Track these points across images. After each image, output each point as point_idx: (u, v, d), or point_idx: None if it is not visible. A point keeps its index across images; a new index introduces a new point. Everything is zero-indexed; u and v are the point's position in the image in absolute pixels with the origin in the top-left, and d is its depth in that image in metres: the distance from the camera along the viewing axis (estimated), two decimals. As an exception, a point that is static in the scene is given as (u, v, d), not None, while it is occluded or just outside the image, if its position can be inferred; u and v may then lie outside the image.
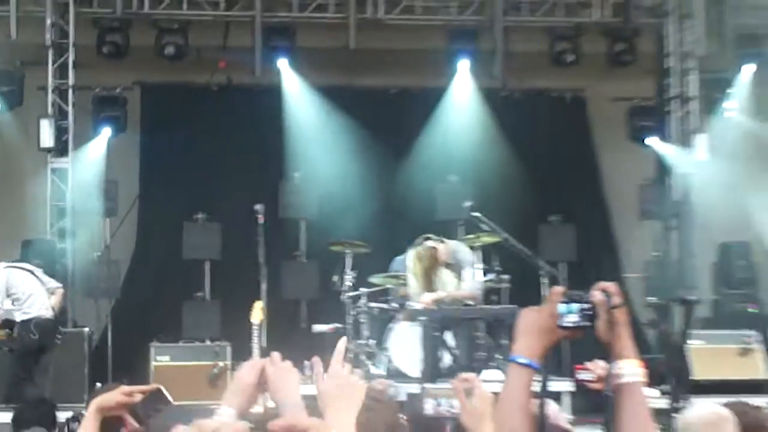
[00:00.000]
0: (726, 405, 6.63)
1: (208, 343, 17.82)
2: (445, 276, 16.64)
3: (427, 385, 14.69)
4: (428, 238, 16.82)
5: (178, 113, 21.96)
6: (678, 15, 20.54)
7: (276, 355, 3.47)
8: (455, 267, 16.61)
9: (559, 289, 4.35)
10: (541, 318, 4.33)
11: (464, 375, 4.44)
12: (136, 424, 5.48)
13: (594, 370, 6.67)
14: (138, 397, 5.47)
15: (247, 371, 4.37)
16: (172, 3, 19.60)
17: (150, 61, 20.25)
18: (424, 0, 20.21)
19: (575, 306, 4.27)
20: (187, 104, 22.02)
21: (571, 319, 4.26)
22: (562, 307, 4.28)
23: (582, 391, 7.00)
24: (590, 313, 4.27)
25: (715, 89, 21.26)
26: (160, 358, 17.17)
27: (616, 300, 4.29)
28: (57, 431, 7.13)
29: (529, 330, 4.35)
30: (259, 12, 19.60)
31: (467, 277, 16.79)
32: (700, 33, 20.34)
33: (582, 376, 7.00)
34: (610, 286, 4.33)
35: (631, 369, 4.37)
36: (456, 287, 16.79)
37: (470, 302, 16.84)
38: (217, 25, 20.07)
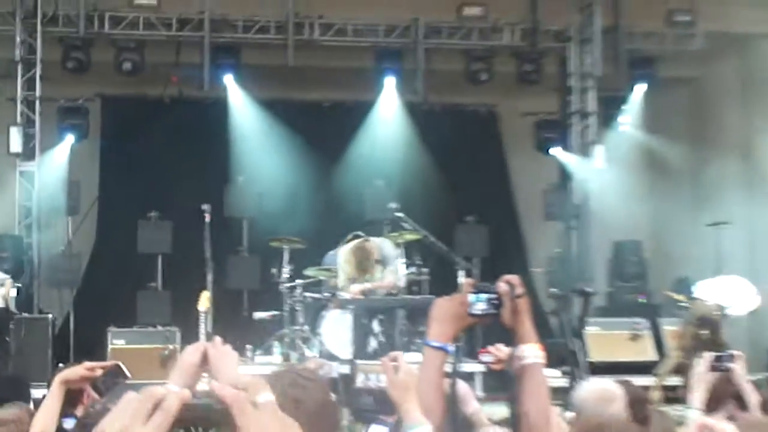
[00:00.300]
0: (617, 383, 6.71)
1: (159, 328, 17.72)
2: (375, 271, 16.69)
3: (358, 362, 14.77)
4: (357, 236, 16.88)
5: (134, 122, 21.90)
6: (578, 40, 20.66)
7: (217, 339, 3.49)
8: (382, 262, 16.67)
9: (469, 281, 4.44)
10: (453, 306, 4.40)
11: (392, 353, 4.47)
12: (96, 395, 5.51)
13: (495, 353, 6.74)
14: (99, 372, 5.50)
15: (191, 353, 4.38)
16: (130, 24, 19.51)
17: (109, 75, 20.14)
18: (354, 23, 20.19)
19: (483, 296, 4.35)
20: (143, 115, 21.96)
21: (480, 307, 4.34)
22: (471, 297, 4.36)
23: (492, 372, 7.06)
24: (496, 302, 4.35)
25: (610, 106, 21.42)
26: (117, 342, 17.08)
27: (519, 291, 4.38)
28: (33, 406, 7.08)
29: (442, 317, 4.42)
30: (207, 33, 19.55)
31: (391, 271, 16.85)
32: (598, 56, 20.45)
33: (485, 358, 7.08)
34: (514, 278, 4.42)
35: (532, 352, 4.46)
36: (381, 279, 16.86)
37: (393, 291, 16.91)
38: (170, 44, 19.99)
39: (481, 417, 6.55)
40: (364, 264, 16.64)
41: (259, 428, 2.15)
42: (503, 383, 5.48)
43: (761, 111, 22.17)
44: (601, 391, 6.43)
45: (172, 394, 2.13)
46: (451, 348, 4.46)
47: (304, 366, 6.13)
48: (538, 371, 4.51)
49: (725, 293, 15.61)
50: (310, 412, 4.54)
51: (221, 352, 3.46)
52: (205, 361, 3.47)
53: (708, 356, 6.43)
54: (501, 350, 7.05)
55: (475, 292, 4.37)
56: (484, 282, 4.52)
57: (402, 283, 17.23)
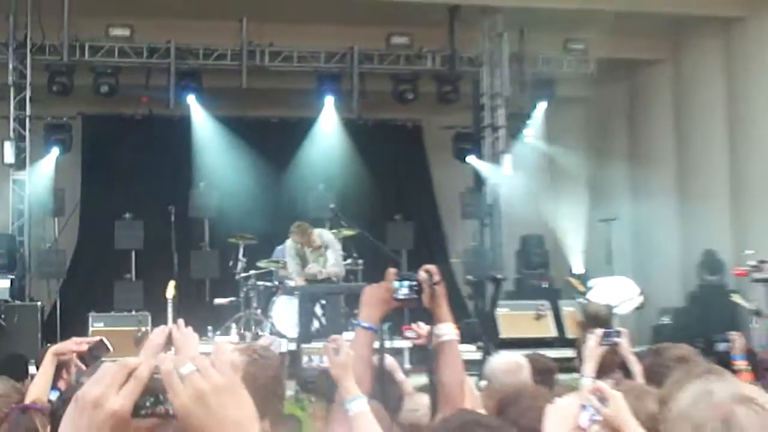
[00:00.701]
0: (525, 355, 6.79)
1: (133, 313, 17.67)
2: (316, 254, 16.70)
3: (303, 345, 14.82)
4: (300, 225, 16.90)
5: (111, 137, 21.85)
6: (490, 65, 20.68)
7: (181, 321, 3.55)
8: (322, 248, 16.63)
9: (392, 270, 4.54)
10: (380, 292, 4.51)
11: (333, 336, 4.52)
12: (82, 366, 5.56)
13: (416, 330, 6.82)
14: (85, 346, 5.56)
15: (158, 334, 4.48)
16: (107, 52, 19.41)
17: (89, 97, 20.04)
18: (299, 51, 20.19)
19: (406, 283, 4.47)
20: (118, 130, 21.92)
21: (403, 292, 4.46)
22: (395, 284, 4.47)
23: (417, 347, 7.11)
24: (417, 288, 4.45)
25: (517, 121, 21.44)
26: (97, 325, 17.02)
27: (436, 278, 4.51)
28: (29, 379, 7.07)
29: (370, 301, 4.53)
30: (173, 60, 19.51)
31: (332, 259, 16.84)
32: (506, 79, 20.47)
33: (408, 334, 7.16)
34: (432, 267, 4.55)
35: (448, 330, 4.59)
36: (323, 265, 16.88)
37: (334, 279, 16.95)
38: (141, 70, 19.89)
39: (407, 386, 6.61)
40: (305, 247, 16.62)
41: (188, 398, 2.17)
42: (426, 357, 5.59)
43: (645, 125, 22.44)
44: (509, 363, 6.39)
45: (144, 363, 2.16)
46: (378, 327, 4.58)
47: (258, 344, 6.16)
48: (454, 347, 4.65)
49: (614, 292, 15.71)
50: (263, 385, 4.61)
51: (184, 333, 3.51)
52: (169, 341, 3.52)
53: (598, 332, 6.49)
54: (422, 327, 7.13)
55: (398, 280, 4.49)
56: (407, 271, 4.63)
57: (342, 272, 17.29)
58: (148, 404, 2.16)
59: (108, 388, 2.12)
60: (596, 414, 4.00)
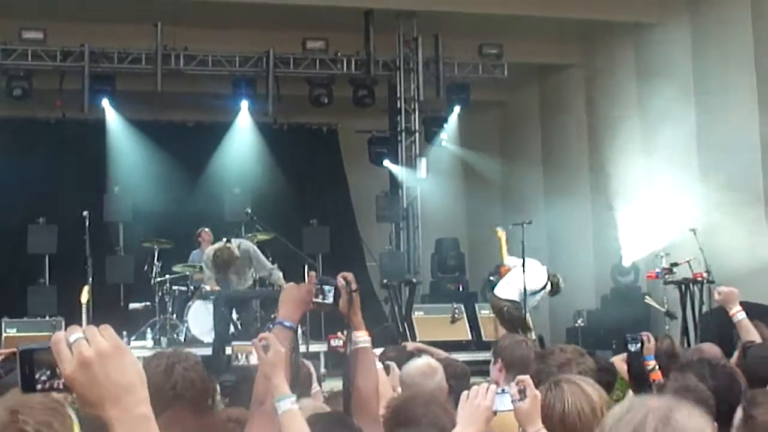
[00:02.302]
0: (437, 360, 6.86)
1: (47, 318, 17.53)
2: (237, 266, 16.52)
3: (235, 343, 14.86)
4: (228, 241, 16.61)
5: (24, 141, 21.65)
6: (405, 69, 20.80)
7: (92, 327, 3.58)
8: (243, 259, 16.48)
9: (312, 274, 4.66)
10: (300, 293, 4.62)
11: (262, 335, 4.54)
12: None
13: (342, 338, 6.92)
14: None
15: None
16: (19, 55, 19.21)
17: (2, 100, 19.84)
18: (214, 55, 20.14)
19: (325, 287, 4.56)
20: (31, 134, 21.71)
21: (322, 296, 4.54)
22: (315, 288, 4.56)
23: (333, 352, 7.17)
24: (334, 293, 4.55)
25: (432, 125, 21.62)
26: (9, 330, 16.80)
27: (354, 286, 4.61)
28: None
29: (291, 300, 4.62)
30: (87, 63, 19.33)
31: (266, 264, 16.56)
32: (421, 83, 20.63)
33: (334, 342, 7.25)
34: (350, 275, 4.65)
35: (363, 337, 4.70)
36: (246, 275, 16.59)
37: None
38: (55, 73, 19.72)
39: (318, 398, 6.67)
40: (227, 265, 16.42)
41: (75, 365, 2.19)
42: (342, 363, 5.65)
43: (558, 129, 22.69)
44: (424, 367, 6.47)
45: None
46: (296, 327, 4.66)
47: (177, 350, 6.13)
48: (369, 353, 4.78)
49: (524, 280, 15.86)
50: (201, 390, 4.61)
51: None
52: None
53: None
54: (345, 336, 7.27)
55: (317, 284, 4.59)
56: (324, 276, 4.73)
57: (275, 274, 17.01)
58: (44, 378, 2.20)
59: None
60: (509, 403, 4.14)
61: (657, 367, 7.28)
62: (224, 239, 16.23)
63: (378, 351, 6.91)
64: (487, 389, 4.16)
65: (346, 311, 4.67)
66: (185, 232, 19.07)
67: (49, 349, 2.21)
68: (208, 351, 14.94)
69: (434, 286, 21.24)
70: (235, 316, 16.24)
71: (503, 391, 4.16)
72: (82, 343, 2.19)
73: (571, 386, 4.58)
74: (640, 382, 7.16)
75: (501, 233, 17.27)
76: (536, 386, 4.39)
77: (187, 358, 4.71)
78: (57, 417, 2.66)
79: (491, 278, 18.17)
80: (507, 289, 16.03)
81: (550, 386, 4.60)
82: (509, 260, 16.71)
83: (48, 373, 2.21)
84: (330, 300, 4.58)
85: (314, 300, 4.59)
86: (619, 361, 7.73)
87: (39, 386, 2.21)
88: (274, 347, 4.35)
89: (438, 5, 19.79)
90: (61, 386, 2.21)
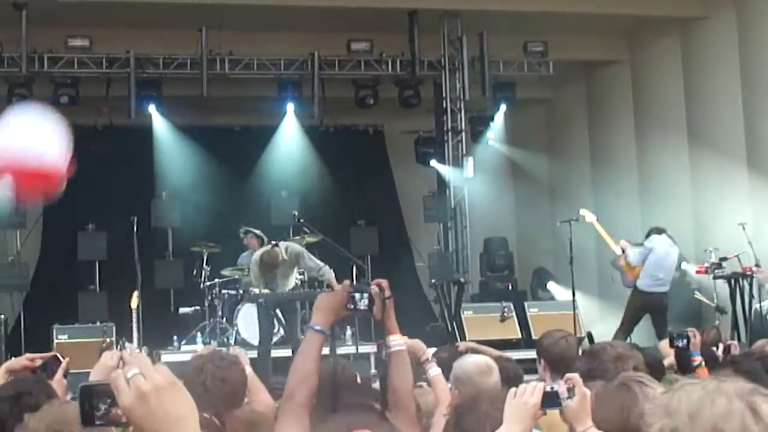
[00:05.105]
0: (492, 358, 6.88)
1: (98, 324, 17.66)
2: (283, 269, 16.57)
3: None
4: (275, 244, 16.71)
5: (73, 148, 21.80)
6: (450, 69, 20.79)
7: (131, 346, 3.70)
8: (290, 261, 16.53)
9: (346, 282, 4.77)
10: (334, 301, 4.70)
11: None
12: None
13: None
14: (38, 362, 5.66)
15: (110, 356, 4.69)
16: (66, 63, 19.40)
17: (49, 108, 20.02)
18: (259, 58, 20.23)
19: (358, 295, 4.66)
20: (79, 141, 21.69)
21: (356, 303, 4.65)
22: (349, 295, 4.67)
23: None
24: (369, 300, 4.65)
25: (478, 124, 21.67)
26: (61, 337, 16.92)
27: (387, 293, 4.71)
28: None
29: (323, 308, 4.71)
30: (132, 69, 19.47)
31: (316, 264, 16.60)
32: (467, 82, 20.61)
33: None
34: (384, 282, 4.77)
35: (397, 341, 4.82)
36: (291, 277, 16.70)
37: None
38: (101, 80, 19.90)
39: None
40: (271, 268, 16.46)
41: (132, 398, 2.34)
42: (379, 366, 5.75)
43: (604, 126, 22.64)
44: (482, 366, 6.43)
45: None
46: (328, 332, 4.77)
47: (227, 352, 6.33)
48: (403, 356, 4.88)
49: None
50: (233, 388, 4.83)
51: (135, 356, 3.65)
52: (120, 363, 3.65)
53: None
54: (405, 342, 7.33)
55: (351, 292, 4.69)
56: (369, 278, 4.85)
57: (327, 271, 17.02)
58: (103, 407, 2.36)
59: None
60: (559, 402, 4.15)
61: (703, 363, 7.31)
62: (272, 242, 16.32)
63: (431, 351, 7.00)
64: (535, 387, 4.19)
65: (380, 317, 4.76)
66: (233, 235, 19.19)
67: (108, 386, 2.37)
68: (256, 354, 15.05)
69: (483, 285, 21.27)
70: (282, 318, 16.30)
71: (552, 389, 4.18)
72: (139, 378, 2.35)
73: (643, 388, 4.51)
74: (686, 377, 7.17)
75: (590, 217, 17.12)
76: (589, 381, 4.41)
77: (221, 358, 4.97)
78: None
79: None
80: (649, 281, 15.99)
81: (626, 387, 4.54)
82: (623, 248, 16.59)
83: (109, 401, 2.38)
84: (364, 307, 4.67)
85: (348, 307, 4.67)
86: (666, 347, 7.74)
87: (97, 421, 2.39)
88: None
89: (482, 4, 19.80)
90: (119, 414, 2.38)
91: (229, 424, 5.04)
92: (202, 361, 5.21)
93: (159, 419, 2.34)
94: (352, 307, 4.65)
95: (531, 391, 4.13)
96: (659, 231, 16.31)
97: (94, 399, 2.41)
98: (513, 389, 4.20)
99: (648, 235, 16.43)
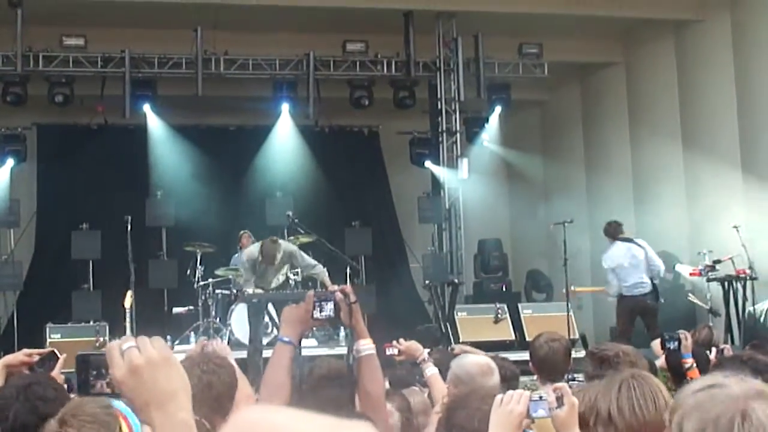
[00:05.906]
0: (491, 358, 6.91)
1: (91, 323, 17.68)
2: (278, 265, 16.65)
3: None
4: (276, 240, 16.84)
5: (66, 147, 21.86)
6: (445, 70, 20.78)
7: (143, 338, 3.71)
8: (284, 259, 16.59)
9: (311, 293, 4.86)
10: (299, 312, 4.85)
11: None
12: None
13: (397, 346, 7.03)
14: (36, 358, 5.69)
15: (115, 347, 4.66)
16: (61, 62, 19.37)
17: (43, 107, 20.02)
18: (254, 59, 20.23)
19: (324, 304, 4.77)
20: (73, 140, 21.93)
21: (320, 313, 4.77)
22: (314, 305, 4.77)
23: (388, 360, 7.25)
24: (334, 307, 4.76)
25: (473, 125, 21.61)
26: (54, 336, 16.92)
27: (353, 298, 4.81)
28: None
29: (291, 320, 4.87)
30: (128, 69, 19.43)
31: (310, 263, 16.71)
32: (461, 83, 20.61)
33: (389, 351, 7.33)
34: (348, 288, 4.90)
35: (366, 345, 4.91)
36: (284, 273, 16.82)
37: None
38: (96, 79, 19.87)
39: None
40: (267, 261, 16.56)
41: (125, 370, 2.39)
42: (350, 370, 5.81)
43: (599, 128, 22.66)
44: (484, 366, 6.47)
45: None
46: (296, 343, 4.86)
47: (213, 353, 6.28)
48: (374, 360, 4.97)
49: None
50: (220, 393, 4.84)
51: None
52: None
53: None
54: (402, 344, 7.41)
55: (316, 301, 4.79)
56: (323, 291, 4.97)
57: (320, 269, 17.11)
58: (91, 378, 2.41)
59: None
60: (548, 410, 4.13)
61: (694, 365, 7.33)
62: (272, 238, 16.46)
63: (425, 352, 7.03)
64: (522, 395, 4.17)
65: (348, 322, 4.88)
66: (227, 236, 19.22)
67: (104, 356, 2.42)
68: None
69: (477, 286, 21.27)
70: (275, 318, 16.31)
71: (540, 398, 4.17)
72: (133, 351, 2.41)
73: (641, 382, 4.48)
74: (677, 379, 7.20)
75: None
76: (593, 380, 4.41)
77: (208, 362, 4.98)
78: (105, 429, 2.79)
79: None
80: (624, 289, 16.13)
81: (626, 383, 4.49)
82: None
83: (94, 373, 2.42)
84: (329, 314, 4.79)
85: (314, 317, 4.82)
86: (658, 348, 7.76)
87: (93, 390, 2.44)
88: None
89: (477, 5, 19.82)
90: (105, 387, 2.41)
91: (219, 427, 5.06)
92: (189, 365, 5.17)
93: (150, 393, 2.38)
94: (318, 315, 4.76)
95: (517, 398, 4.10)
96: (613, 238, 16.43)
97: (90, 369, 2.46)
98: (499, 396, 4.17)
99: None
